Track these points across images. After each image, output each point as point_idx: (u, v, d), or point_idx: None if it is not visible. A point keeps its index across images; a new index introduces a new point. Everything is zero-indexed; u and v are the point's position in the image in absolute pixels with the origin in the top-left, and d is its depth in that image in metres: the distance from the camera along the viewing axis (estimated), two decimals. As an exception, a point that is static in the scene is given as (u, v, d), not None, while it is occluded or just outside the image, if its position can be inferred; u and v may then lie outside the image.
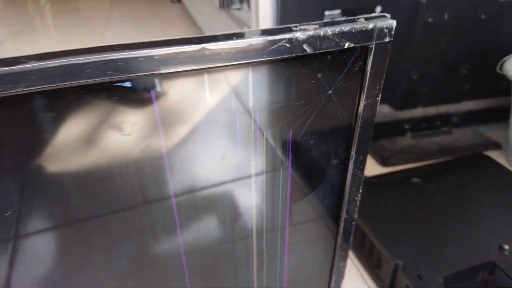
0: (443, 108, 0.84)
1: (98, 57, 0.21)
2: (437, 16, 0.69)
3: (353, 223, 0.37)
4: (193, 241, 0.32)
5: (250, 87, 0.26)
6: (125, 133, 0.25)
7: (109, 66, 0.21)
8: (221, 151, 0.28)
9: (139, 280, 0.32)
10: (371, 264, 0.56)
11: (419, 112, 0.83)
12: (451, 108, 0.84)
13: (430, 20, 0.68)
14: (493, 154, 0.75)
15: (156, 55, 0.22)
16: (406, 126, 0.82)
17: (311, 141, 0.30)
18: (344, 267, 0.42)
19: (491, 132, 0.86)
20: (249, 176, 0.30)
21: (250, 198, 0.31)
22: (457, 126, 0.85)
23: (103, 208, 0.27)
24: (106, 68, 0.21)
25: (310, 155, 0.31)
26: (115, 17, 1.82)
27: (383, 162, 0.77)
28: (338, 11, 0.68)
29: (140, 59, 0.21)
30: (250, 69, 0.25)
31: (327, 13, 0.68)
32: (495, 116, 0.86)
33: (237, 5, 1.07)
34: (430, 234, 0.54)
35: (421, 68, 0.74)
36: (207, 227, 0.31)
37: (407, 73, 0.75)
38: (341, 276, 0.43)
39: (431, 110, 0.83)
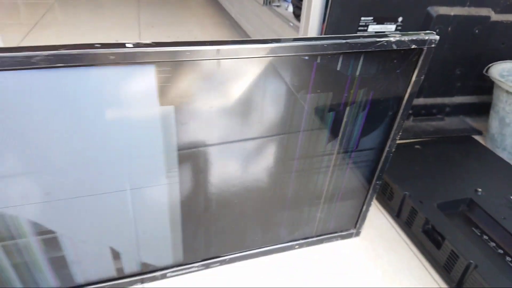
0: (439, 100, 1.07)
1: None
2: (443, 28, 0.92)
3: (391, 154, 0.59)
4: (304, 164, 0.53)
5: (360, 64, 0.47)
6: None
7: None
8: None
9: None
10: (384, 198, 0.78)
11: (420, 101, 1.06)
12: (445, 100, 1.08)
13: (437, 30, 0.91)
14: (475, 138, 0.98)
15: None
16: (410, 111, 1.05)
17: (382, 99, 0.52)
18: (371, 200, 0.65)
19: (475, 122, 1.09)
20: (343, 115, 0.52)
21: (341, 127, 0.53)
22: (449, 115, 1.09)
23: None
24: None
25: (379, 107, 0.53)
26: (144, 18, 1.99)
27: (392, 136, 1.00)
28: (371, 18, 0.91)
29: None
30: (362, 56, 0.47)
31: (363, 18, 0.90)
32: (479, 109, 1.10)
33: (276, 3, 1.29)
34: (427, 177, 0.77)
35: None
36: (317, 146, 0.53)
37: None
38: (370, 200, 0.65)
39: (429, 101, 1.07)
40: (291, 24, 1.09)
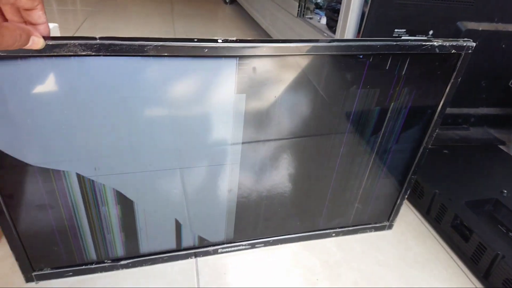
0: (464, 110, 1.13)
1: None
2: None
3: (427, 150, 0.65)
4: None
5: (407, 64, 0.54)
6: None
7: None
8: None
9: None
10: (415, 196, 0.84)
11: (447, 111, 1.12)
12: (471, 111, 1.13)
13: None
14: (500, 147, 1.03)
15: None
16: (437, 120, 1.11)
17: (423, 97, 0.58)
18: (404, 198, 0.70)
19: (499, 133, 1.14)
20: (388, 111, 0.58)
21: (385, 121, 0.59)
22: (474, 125, 1.14)
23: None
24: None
25: (420, 105, 0.59)
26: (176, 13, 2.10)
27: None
28: (403, 30, 0.98)
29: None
30: (409, 57, 0.53)
31: (396, 30, 0.97)
32: (503, 120, 1.15)
33: (309, 15, 1.37)
34: (455, 178, 0.82)
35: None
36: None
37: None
38: (402, 200, 0.71)
39: (455, 111, 1.13)
40: (325, 35, 1.16)
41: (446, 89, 0.59)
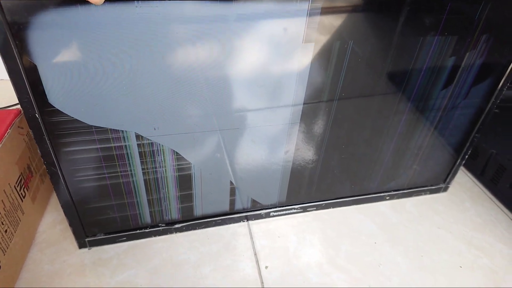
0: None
1: None
2: None
3: (495, 106, 0.60)
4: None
5: (488, 8, 0.49)
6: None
7: None
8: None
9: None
10: (468, 157, 0.80)
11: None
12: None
13: None
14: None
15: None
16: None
17: (498, 48, 0.53)
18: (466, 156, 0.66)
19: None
20: (462, 61, 0.53)
21: (458, 73, 0.54)
22: None
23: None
24: None
25: (494, 56, 0.53)
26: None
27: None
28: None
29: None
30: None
31: None
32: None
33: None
34: (510, 138, 0.78)
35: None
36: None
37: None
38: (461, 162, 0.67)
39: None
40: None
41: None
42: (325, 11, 0.43)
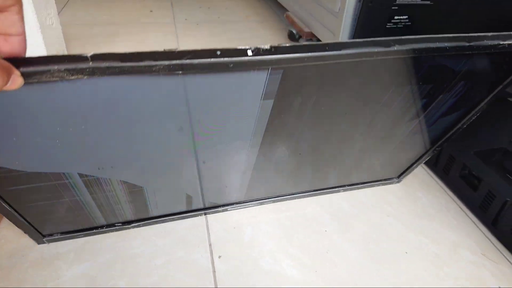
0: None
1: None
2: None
3: (461, 130, 0.62)
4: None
5: (472, 61, 0.48)
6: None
7: None
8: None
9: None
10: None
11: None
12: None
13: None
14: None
15: None
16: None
17: (473, 90, 0.54)
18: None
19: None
20: (433, 102, 0.55)
21: (427, 110, 0.56)
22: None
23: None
24: None
25: (468, 96, 0.54)
26: None
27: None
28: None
29: None
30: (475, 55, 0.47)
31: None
32: None
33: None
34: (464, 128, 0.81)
35: (462, 28, 1.00)
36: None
37: (451, 32, 1.01)
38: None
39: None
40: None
41: (501, 84, 0.54)
42: (285, 78, 0.42)
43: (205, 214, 0.66)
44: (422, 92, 0.53)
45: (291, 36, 1.34)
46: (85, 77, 0.33)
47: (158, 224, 0.64)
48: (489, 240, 0.67)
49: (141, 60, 0.33)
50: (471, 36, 0.44)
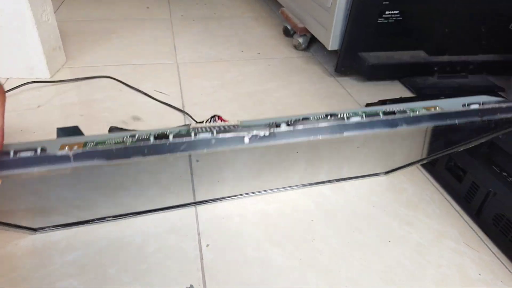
0: (463, 58, 1.11)
1: None
2: (469, -16, 0.95)
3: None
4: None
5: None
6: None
7: None
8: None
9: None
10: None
11: (445, 58, 1.10)
12: (469, 58, 1.11)
13: (464, -14, 0.95)
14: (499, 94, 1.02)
15: None
16: (435, 68, 1.10)
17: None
18: None
19: (497, 80, 1.13)
20: None
21: None
22: (472, 72, 1.13)
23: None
24: None
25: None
26: None
27: (417, 92, 1.05)
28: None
29: None
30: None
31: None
32: (502, 67, 1.13)
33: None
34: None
35: (452, 23, 1.02)
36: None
37: (441, 27, 1.03)
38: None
39: (454, 58, 1.11)
40: None
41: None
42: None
43: (195, 205, 0.68)
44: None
45: (286, 32, 1.35)
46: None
47: (149, 216, 0.65)
48: (473, 229, 0.68)
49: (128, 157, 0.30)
50: (484, 109, 0.41)
